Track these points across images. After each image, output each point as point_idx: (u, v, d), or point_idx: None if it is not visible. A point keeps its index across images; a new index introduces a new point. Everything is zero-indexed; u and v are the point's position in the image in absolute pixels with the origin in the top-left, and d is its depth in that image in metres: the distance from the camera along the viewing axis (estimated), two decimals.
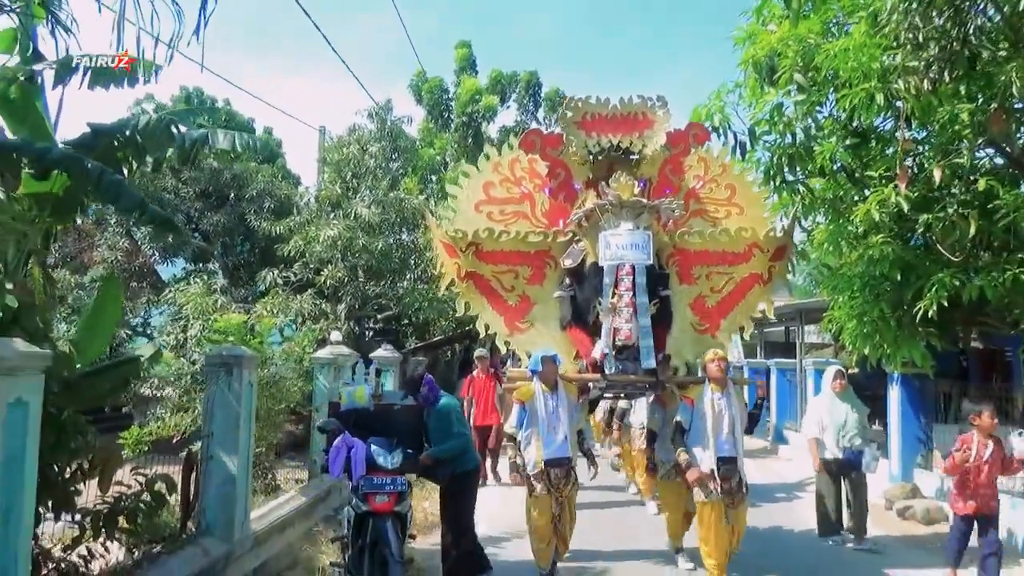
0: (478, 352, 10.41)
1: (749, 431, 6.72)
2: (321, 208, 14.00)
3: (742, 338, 7.55)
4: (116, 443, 5.10)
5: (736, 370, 18.01)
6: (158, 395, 10.23)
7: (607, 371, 6.25)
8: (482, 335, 7.10)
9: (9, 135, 5.35)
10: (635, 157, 6.74)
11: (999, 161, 7.48)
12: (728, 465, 5.92)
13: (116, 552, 5.03)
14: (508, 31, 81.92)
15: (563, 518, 6.11)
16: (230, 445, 5.98)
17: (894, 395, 9.69)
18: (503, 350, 7.21)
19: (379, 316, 15.16)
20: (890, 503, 8.54)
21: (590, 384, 6.51)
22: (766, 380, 15.50)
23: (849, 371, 10.93)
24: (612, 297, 6.22)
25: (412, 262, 14.47)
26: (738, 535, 6.06)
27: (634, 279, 6.20)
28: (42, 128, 5.29)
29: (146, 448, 7.21)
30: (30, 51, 5.06)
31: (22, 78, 4.87)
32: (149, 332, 14.37)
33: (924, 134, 7.50)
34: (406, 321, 16.23)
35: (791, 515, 8.75)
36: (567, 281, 6.72)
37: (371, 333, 16.31)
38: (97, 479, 4.46)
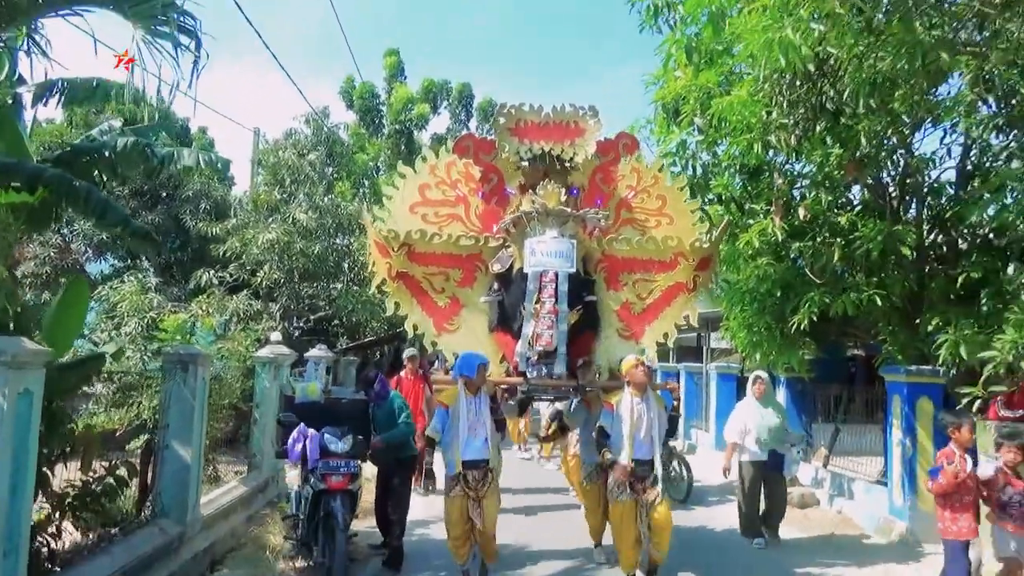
0: (408, 352, 10.25)
1: (671, 433, 6.90)
2: (259, 211, 14.43)
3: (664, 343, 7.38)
4: (93, 431, 5.61)
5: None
6: (88, 391, 10.49)
7: (529, 375, 6.38)
8: (410, 335, 7.24)
9: None
10: (567, 164, 6.80)
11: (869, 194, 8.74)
12: (643, 467, 6.00)
13: (75, 533, 5.56)
14: (437, 29, 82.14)
15: (482, 519, 5.98)
16: (184, 436, 6.54)
17: (779, 396, 10.92)
18: (430, 350, 7.40)
19: (312, 317, 15.66)
20: None
21: (518, 387, 6.61)
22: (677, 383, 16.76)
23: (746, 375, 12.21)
24: (535, 303, 6.34)
25: (346, 265, 15.05)
26: (662, 537, 5.98)
27: (556, 286, 6.32)
28: (20, 145, 5.78)
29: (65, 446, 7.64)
30: (16, 76, 5.54)
31: (9, 100, 5.36)
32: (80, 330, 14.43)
33: (807, 169, 8.67)
34: (336, 322, 16.76)
35: (710, 514, 9.10)
36: (495, 285, 6.81)
37: (298, 332, 16.79)
38: (79, 462, 5.01)
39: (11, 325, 4.47)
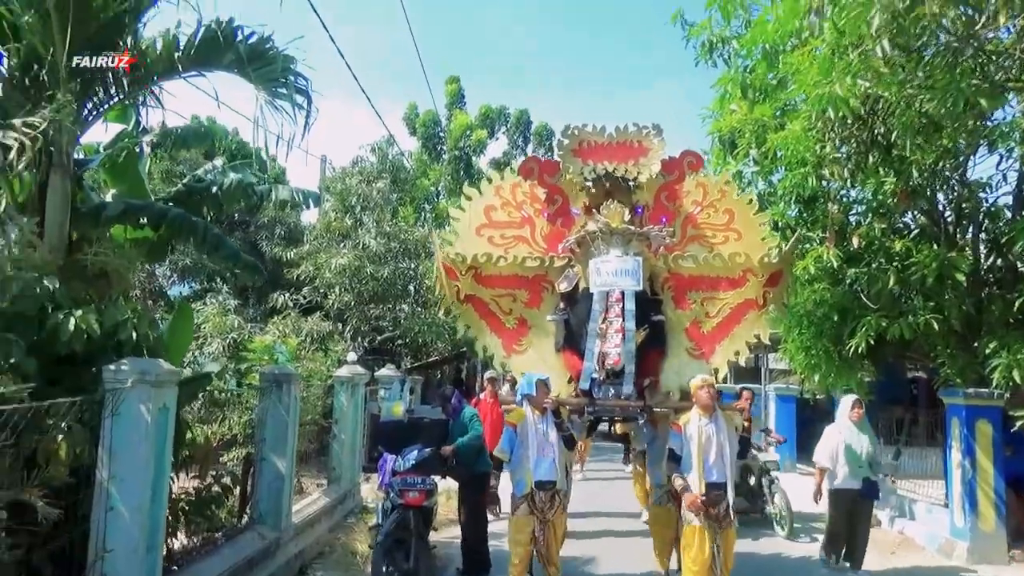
0: (488, 373, 9.91)
1: (742, 456, 6.64)
2: (331, 237, 15.21)
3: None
4: (210, 441, 6.24)
5: None
6: None
7: (595, 395, 6.36)
8: (480, 356, 7.41)
9: (110, 191, 6.60)
10: (631, 184, 6.80)
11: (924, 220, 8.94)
12: (716, 491, 5.76)
13: (181, 537, 6.16)
14: (492, 53, 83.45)
15: (546, 541, 5.97)
16: (279, 449, 7.15)
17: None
18: (500, 372, 7.60)
19: (378, 337, 16.34)
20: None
21: (584, 407, 6.54)
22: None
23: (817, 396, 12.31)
24: (602, 322, 6.33)
25: (412, 288, 15.70)
26: (727, 562, 5.86)
27: (623, 305, 6.31)
28: (140, 186, 6.52)
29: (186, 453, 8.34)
30: (140, 127, 6.26)
31: (137, 149, 6.07)
32: None
33: (862, 196, 8.92)
34: (400, 342, 17.41)
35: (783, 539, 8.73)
36: (562, 305, 6.83)
37: (361, 352, 17.50)
38: (197, 470, 5.62)
39: (144, 349, 5.08)
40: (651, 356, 6.59)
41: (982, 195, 8.57)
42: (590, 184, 6.88)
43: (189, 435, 5.75)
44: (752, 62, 8.20)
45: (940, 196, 8.79)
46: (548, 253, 7.16)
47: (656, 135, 6.80)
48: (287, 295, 14.76)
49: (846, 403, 7.49)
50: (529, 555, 6.02)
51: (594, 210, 6.78)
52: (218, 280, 17.57)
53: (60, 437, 4.22)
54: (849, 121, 6.11)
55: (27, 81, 4.85)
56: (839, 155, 6.69)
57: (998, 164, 8.44)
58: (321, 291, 14.61)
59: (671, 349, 6.77)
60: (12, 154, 3.91)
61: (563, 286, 6.78)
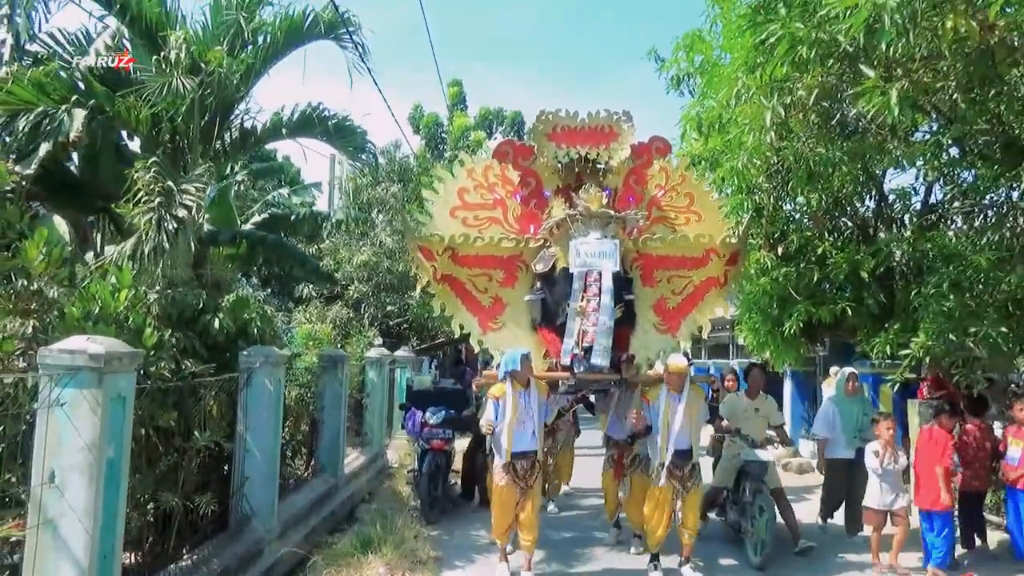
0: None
1: (709, 421, 7.22)
2: (351, 235, 17.11)
3: (699, 338, 7.61)
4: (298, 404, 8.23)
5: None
6: None
7: (576, 370, 6.61)
8: (457, 334, 7.51)
9: (207, 219, 8.51)
10: (601, 167, 7.15)
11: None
12: (681, 456, 6.52)
13: None
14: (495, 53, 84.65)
15: (525, 507, 6.41)
16: (335, 414, 9.11)
17: (787, 387, 13.19)
18: (477, 349, 7.70)
19: (390, 323, 18.30)
20: (777, 461, 11.88)
21: (560, 381, 6.89)
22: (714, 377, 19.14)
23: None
24: (581, 301, 6.62)
25: None
26: (692, 521, 6.61)
27: (601, 284, 6.64)
28: (230, 214, 8.46)
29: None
30: (234, 170, 8.17)
31: (234, 188, 8.00)
32: None
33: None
34: (406, 327, 19.37)
35: None
36: (538, 284, 7.09)
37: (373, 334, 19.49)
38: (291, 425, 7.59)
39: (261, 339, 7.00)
40: (622, 332, 6.99)
41: (905, 202, 10.60)
42: (562, 167, 7.26)
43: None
44: (708, 103, 10.04)
45: (871, 204, 10.79)
46: (521, 234, 7.38)
47: (626, 121, 7.19)
48: (310, 286, 16.65)
49: (841, 377, 8.20)
50: (511, 519, 6.49)
51: (571, 193, 7.09)
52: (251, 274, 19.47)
53: (212, 401, 6.16)
54: (770, 161, 8.03)
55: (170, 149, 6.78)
56: (766, 184, 8.65)
57: (916, 176, 10.43)
58: (342, 283, 16.51)
59: (639, 325, 7.20)
60: (193, 211, 5.84)
61: (539, 266, 7.02)
